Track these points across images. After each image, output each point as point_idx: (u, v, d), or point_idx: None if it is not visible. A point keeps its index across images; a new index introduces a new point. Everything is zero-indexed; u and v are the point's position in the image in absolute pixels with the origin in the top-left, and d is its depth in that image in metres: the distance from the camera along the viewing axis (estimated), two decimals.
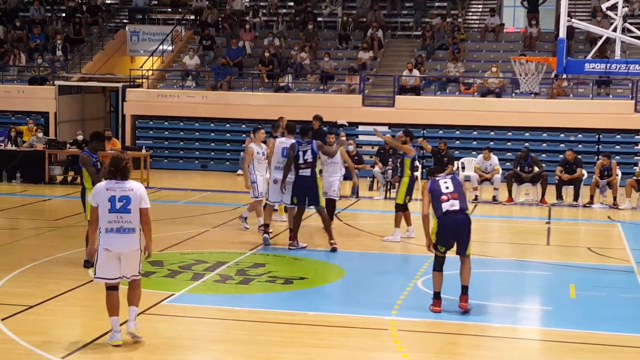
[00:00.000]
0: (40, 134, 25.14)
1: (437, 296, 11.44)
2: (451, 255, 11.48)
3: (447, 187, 11.43)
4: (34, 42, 32.26)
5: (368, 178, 24.10)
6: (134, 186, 9.65)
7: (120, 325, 9.78)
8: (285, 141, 15.90)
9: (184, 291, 12.28)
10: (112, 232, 9.56)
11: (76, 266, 13.69)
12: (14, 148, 24.82)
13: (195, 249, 15.39)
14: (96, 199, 9.62)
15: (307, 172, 15.23)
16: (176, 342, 10.12)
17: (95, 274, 9.81)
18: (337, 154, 16.78)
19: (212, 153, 28.55)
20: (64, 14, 34.78)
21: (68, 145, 24.49)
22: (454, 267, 11.67)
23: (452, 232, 11.30)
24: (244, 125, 27.87)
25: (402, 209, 16.29)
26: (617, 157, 24.60)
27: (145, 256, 9.94)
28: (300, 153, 15.23)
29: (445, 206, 11.29)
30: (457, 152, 24.85)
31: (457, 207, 11.32)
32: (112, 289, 9.74)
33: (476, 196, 22.18)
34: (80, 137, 24.50)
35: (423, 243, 15.21)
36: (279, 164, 15.77)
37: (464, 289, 11.44)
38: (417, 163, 23.91)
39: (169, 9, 35.01)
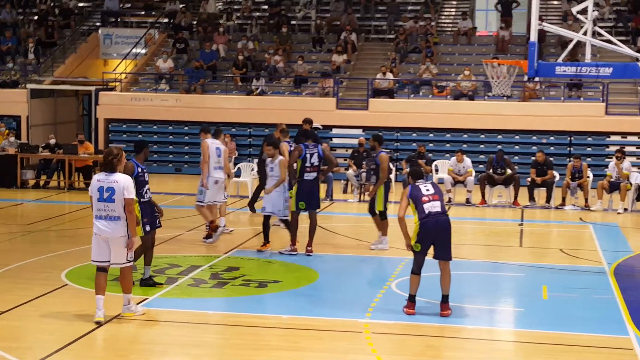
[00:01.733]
0: (12, 138, 24.97)
1: (412, 299, 11.47)
2: (429, 258, 11.51)
3: (427, 190, 11.50)
4: (5, 45, 32.02)
5: (342, 181, 24.14)
6: (119, 178, 10.69)
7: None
8: (213, 141, 16.62)
9: (157, 295, 12.24)
10: (101, 219, 10.70)
11: (48, 271, 13.62)
12: None
13: (169, 253, 15.34)
14: (91, 190, 10.77)
15: (312, 175, 15.33)
16: (149, 346, 10.10)
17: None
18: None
19: (186, 156, 28.48)
20: (36, 17, 34.56)
21: (40, 149, 24.34)
22: (431, 270, 11.69)
23: (434, 233, 11.32)
24: None
25: (385, 216, 16.03)
26: (589, 159, 24.84)
27: (128, 245, 10.72)
28: (308, 156, 15.29)
29: (427, 207, 11.33)
30: (430, 154, 24.93)
31: (439, 209, 11.38)
32: (100, 270, 10.83)
33: (450, 198, 22.26)
34: (52, 141, 24.34)
35: (397, 246, 15.29)
36: (217, 164, 16.43)
37: (445, 298, 11.47)
38: (391, 166, 24.07)
39: (142, 12, 34.88)
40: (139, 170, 12.48)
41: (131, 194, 10.64)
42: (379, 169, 15.89)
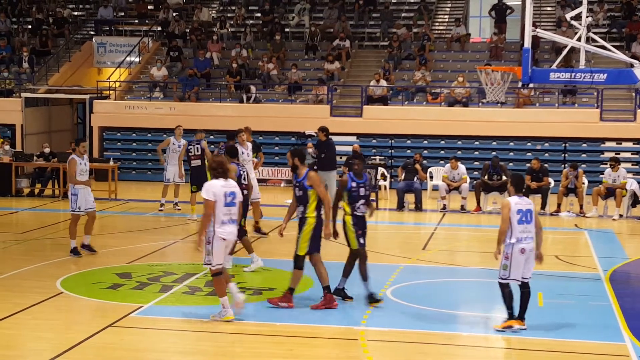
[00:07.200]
0: (7, 147, 24.92)
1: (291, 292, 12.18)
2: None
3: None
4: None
5: (336, 188, 24.09)
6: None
7: None
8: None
9: (152, 303, 12.21)
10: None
11: (43, 279, 13.58)
12: None
13: (164, 261, 15.32)
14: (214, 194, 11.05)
15: (198, 162, 19.43)
16: (145, 354, 10.08)
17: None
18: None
19: None
20: (30, 26, 34.57)
21: (35, 158, 24.31)
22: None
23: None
24: (212, 136, 27.77)
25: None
26: (583, 165, 24.82)
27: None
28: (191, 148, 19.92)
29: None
30: (425, 161, 24.93)
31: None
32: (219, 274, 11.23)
33: (444, 205, 22.26)
34: (47, 150, 24.31)
35: (392, 253, 15.25)
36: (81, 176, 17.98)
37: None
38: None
39: (136, 21, 34.90)
40: (353, 185, 12.74)
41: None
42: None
